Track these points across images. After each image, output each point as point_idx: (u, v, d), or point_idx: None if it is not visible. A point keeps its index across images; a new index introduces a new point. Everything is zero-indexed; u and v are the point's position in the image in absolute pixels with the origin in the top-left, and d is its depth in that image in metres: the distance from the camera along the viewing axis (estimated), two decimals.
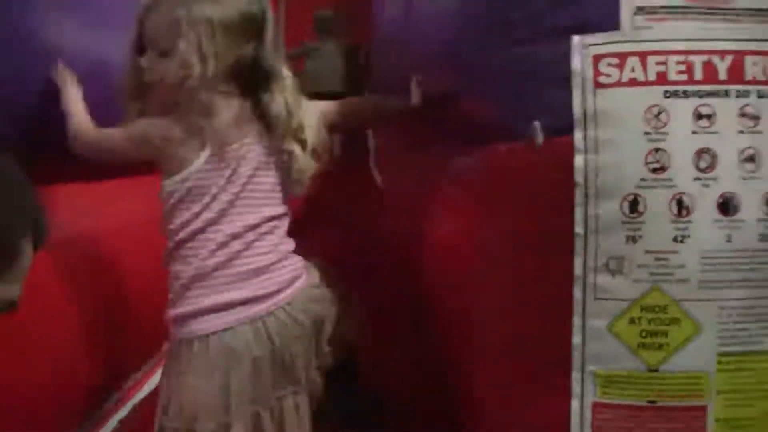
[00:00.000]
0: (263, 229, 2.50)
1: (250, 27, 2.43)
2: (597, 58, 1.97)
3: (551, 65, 2.01)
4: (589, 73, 1.97)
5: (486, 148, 2.26)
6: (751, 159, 1.96)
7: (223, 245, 2.43)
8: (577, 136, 1.98)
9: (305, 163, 2.55)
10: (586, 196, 1.98)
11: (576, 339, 2.01)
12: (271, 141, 2.49)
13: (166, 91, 2.43)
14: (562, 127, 1.99)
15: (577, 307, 2.01)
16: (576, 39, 1.98)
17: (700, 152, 1.95)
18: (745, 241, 1.97)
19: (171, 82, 2.39)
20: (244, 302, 2.43)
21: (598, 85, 1.97)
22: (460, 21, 2.32)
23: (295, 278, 2.55)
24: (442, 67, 2.57)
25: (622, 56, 1.96)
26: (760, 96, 1.97)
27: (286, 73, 2.55)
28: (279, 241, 2.55)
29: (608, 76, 1.97)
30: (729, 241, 1.96)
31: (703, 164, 1.95)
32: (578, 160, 1.97)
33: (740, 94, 1.96)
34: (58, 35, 2.70)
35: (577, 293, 2.00)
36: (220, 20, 2.37)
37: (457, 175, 2.61)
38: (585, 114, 1.97)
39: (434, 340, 3.06)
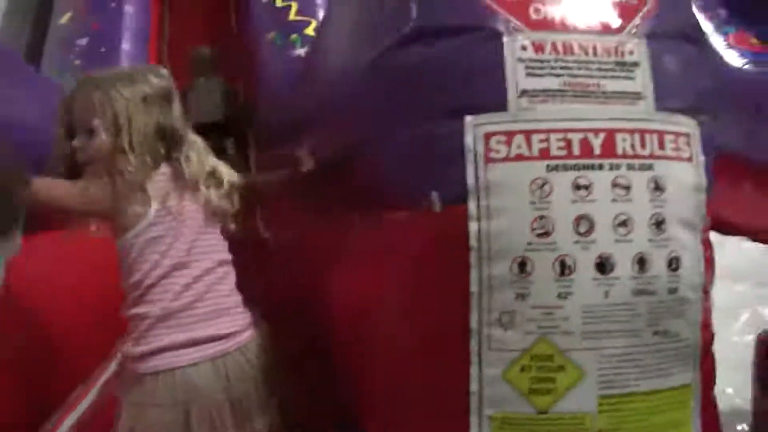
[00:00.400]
0: (219, 273, 2.74)
1: (160, 100, 2.66)
2: (488, 136, 2.19)
3: (447, 141, 2.23)
4: (481, 149, 2.19)
5: (386, 214, 2.45)
6: (623, 224, 2.19)
7: (187, 287, 2.66)
8: (471, 205, 2.19)
9: (224, 204, 2.77)
10: (480, 258, 2.19)
11: (473, 386, 2.22)
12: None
13: (99, 166, 2.64)
14: (457, 196, 2.21)
15: (473, 357, 2.21)
16: (469, 119, 2.20)
17: (579, 218, 2.18)
18: (621, 296, 2.20)
19: (101, 156, 2.61)
20: (208, 340, 2.65)
21: (489, 160, 2.19)
22: (363, 99, 2.50)
23: (250, 324, 2.76)
24: (341, 138, 2.78)
25: (510, 134, 2.19)
26: (630, 168, 2.20)
27: (193, 137, 2.78)
28: (233, 287, 2.77)
29: (498, 151, 2.19)
30: (606, 296, 2.19)
31: (582, 229, 2.18)
32: (472, 227, 2.19)
33: (613, 167, 2.19)
34: None
35: (474, 345, 2.21)
36: (132, 97, 2.60)
37: (358, 237, 2.80)
38: (478, 185, 2.19)
39: (338, 386, 3.26)
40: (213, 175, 2.78)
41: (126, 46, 6.59)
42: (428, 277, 2.29)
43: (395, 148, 2.36)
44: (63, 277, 3.26)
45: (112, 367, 4.33)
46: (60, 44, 6.71)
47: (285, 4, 6.65)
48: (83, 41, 6.54)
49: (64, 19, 6.99)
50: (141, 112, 2.60)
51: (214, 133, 4.88)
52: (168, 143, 2.69)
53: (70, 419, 3.55)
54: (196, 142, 2.80)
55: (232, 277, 2.80)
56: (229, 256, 2.80)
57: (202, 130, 3.39)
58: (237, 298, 2.79)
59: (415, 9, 2.30)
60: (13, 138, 2.80)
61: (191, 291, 2.66)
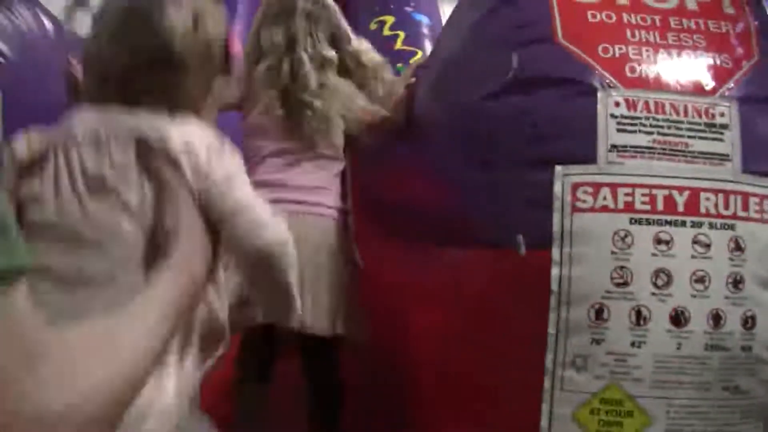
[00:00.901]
0: None
1: None
2: (575, 186, 2.29)
3: (536, 188, 2.33)
4: (568, 198, 2.29)
5: (473, 252, 2.56)
6: (701, 280, 2.27)
7: None
8: (555, 251, 2.29)
9: None
10: (559, 302, 2.28)
11: (544, 422, 2.31)
12: None
13: None
14: (541, 241, 2.31)
15: (545, 396, 2.30)
16: (558, 168, 2.31)
17: (658, 271, 2.26)
18: (693, 349, 2.27)
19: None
20: None
21: (575, 209, 2.29)
22: (460, 139, 2.64)
23: None
24: (435, 174, 2.90)
25: (597, 186, 2.29)
26: (711, 227, 2.28)
27: None
28: None
29: (584, 201, 2.29)
30: (679, 348, 2.27)
31: (660, 282, 2.26)
32: (554, 272, 2.28)
33: (694, 225, 2.28)
34: None
35: (547, 383, 2.30)
36: None
37: (443, 271, 2.89)
38: (562, 233, 2.29)
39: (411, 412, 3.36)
40: None
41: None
42: (508, 315, 2.39)
43: (486, 189, 2.48)
44: None
45: None
46: None
47: (392, 33, 6.80)
48: None
49: None
50: None
51: None
52: None
53: None
54: None
55: None
56: None
57: None
58: None
59: (516, 60, 2.40)
60: None
61: None
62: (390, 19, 6.99)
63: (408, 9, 7.14)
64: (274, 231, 1.67)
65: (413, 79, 3.19)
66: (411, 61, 6.41)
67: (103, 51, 1.65)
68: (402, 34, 6.77)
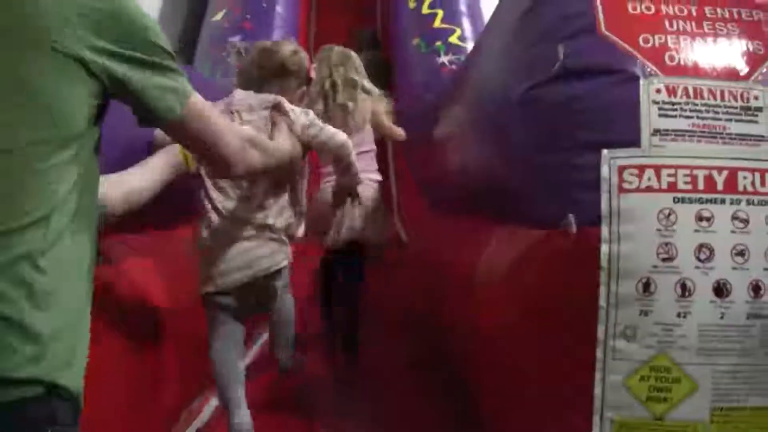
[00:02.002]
0: None
1: None
2: (621, 168, 2.45)
3: (585, 171, 2.49)
4: (615, 179, 2.45)
5: (527, 230, 2.73)
6: (741, 253, 2.42)
7: None
8: (604, 229, 2.44)
9: None
10: (609, 277, 2.44)
11: (597, 390, 2.47)
12: None
13: None
14: (591, 220, 2.46)
15: (599, 365, 2.46)
16: (605, 152, 2.46)
17: (701, 246, 2.42)
18: (735, 318, 2.42)
19: None
20: None
21: (622, 190, 2.44)
22: (512, 127, 2.79)
23: None
24: (486, 159, 3.08)
25: (641, 168, 2.44)
26: (749, 203, 2.43)
27: None
28: None
29: (630, 183, 2.44)
30: (722, 318, 2.42)
31: (702, 256, 2.42)
32: (604, 249, 2.44)
33: (733, 202, 2.43)
34: None
35: (599, 353, 2.46)
36: None
37: (495, 249, 3.08)
38: (611, 212, 2.44)
39: (465, 389, 3.55)
40: None
41: None
42: (560, 290, 2.54)
43: (537, 172, 2.64)
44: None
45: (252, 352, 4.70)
46: (213, 41, 7.10)
47: (431, 11, 6.95)
48: (235, 39, 6.93)
49: (218, 16, 7.39)
50: None
51: None
52: None
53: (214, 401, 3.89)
54: None
55: None
56: None
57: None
58: None
59: (562, 51, 2.55)
60: None
61: None
62: None
63: None
64: (340, 136, 3.53)
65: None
66: (449, 39, 6.57)
67: (252, 65, 3.58)
68: (441, 12, 6.91)
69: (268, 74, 3.47)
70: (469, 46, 6.28)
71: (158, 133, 3.06)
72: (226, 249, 3.23)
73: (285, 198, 3.38)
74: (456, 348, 3.80)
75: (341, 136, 3.49)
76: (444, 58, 6.25)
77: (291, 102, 3.38)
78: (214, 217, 3.24)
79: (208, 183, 3.23)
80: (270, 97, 3.33)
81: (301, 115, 3.34)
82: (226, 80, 6.14)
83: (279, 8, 7.43)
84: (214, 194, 3.24)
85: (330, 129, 3.43)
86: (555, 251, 2.55)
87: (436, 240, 4.26)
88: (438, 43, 6.42)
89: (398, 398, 3.99)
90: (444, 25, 6.68)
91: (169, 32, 8.02)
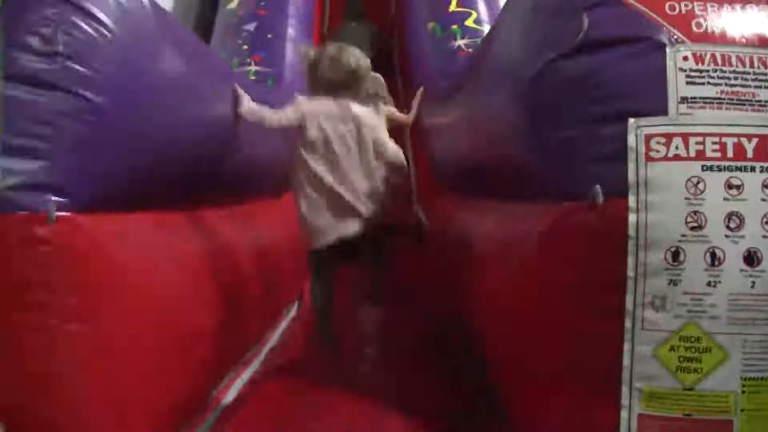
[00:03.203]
0: None
1: None
2: (648, 137, 2.43)
3: (610, 141, 2.47)
4: (642, 148, 2.43)
5: (549, 206, 2.71)
6: None
7: None
8: (631, 198, 2.43)
9: None
10: (637, 246, 2.42)
11: (626, 361, 2.46)
12: None
13: None
14: (618, 191, 2.45)
15: (627, 335, 2.45)
16: (631, 121, 2.44)
17: (730, 215, 2.40)
18: (766, 288, 2.40)
19: None
20: None
21: (649, 159, 2.42)
22: (535, 101, 2.76)
23: None
24: (510, 135, 3.05)
25: (669, 136, 2.42)
26: None
27: None
28: None
29: (657, 151, 2.42)
30: (753, 287, 2.40)
31: (732, 224, 2.40)
32: (631, 218, 2.43)
33: (764, 170, 2.40)
34: None
35: (628, 324, 2.45)
36: None
37: (521, 223, 3.06)
38: (638, 181, 2.42)
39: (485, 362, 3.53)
40: None
41: (291, 31, 6.95)
42: (588, 261, 2.52)
43: (562, 145, 2.60)
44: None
45: (277, 334, 4.73)
46: (228, 29, 7.10)
47: None
48: (251, 26, 6.92)
49: (233, 4, 7.38)
50: None
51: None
52: None
53: (240, 381, 3.91)
54: None
55: None
56: None
57: None
58: None
59: (586, 21, 2.53)
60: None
61: None
62: None
63: None
64: (401, 155, 4.14)
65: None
66: (465, 23, 6.55)
67: (324, 74, 4.03)
68: None
69: (340, 82, 4.02)
70: (486, 29, 6.25)
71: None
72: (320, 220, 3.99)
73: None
74: (476, 327, 3.79)
75: (401, 155, 4.25)
76: (460, 42, 6.22)
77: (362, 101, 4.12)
78: (311, 192, 3.98)
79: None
80: (346, 103, 4.03)
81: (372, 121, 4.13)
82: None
83: None
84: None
85: (393, 147, 4.20)
86: (582, 224, 2.53)
87: (455, 221, 4.24)
88: (454, 27, 6.39)
89: (414, 374, 3.98)
90: (459, 9, 6.64)
91: (183, 21, 8.03)
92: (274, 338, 4.70)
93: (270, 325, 4.75)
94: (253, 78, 6.09)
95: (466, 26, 6.39)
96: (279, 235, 4.89)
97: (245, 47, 6.63)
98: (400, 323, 5.10)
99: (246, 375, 4.05)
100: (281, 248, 4.85)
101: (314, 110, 3.96)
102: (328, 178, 3.95)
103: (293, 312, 5.33)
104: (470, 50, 6.03)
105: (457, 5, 6.69)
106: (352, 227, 4.01)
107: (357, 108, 4.02)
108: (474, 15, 6.53)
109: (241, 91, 3.92)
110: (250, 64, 6.32)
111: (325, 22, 8.86)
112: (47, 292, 2.42)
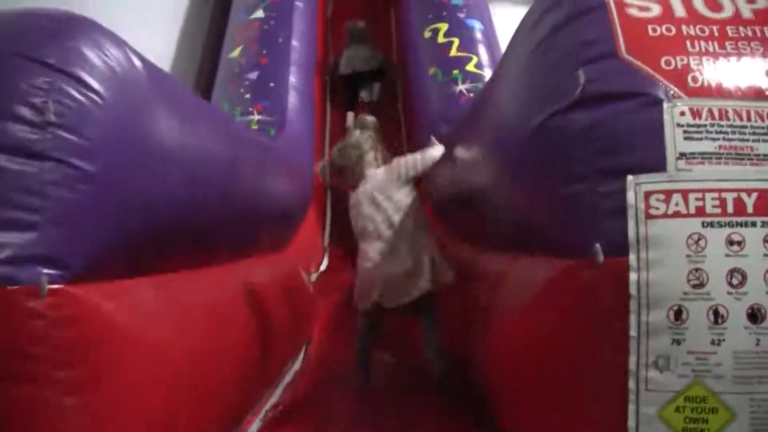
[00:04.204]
0: None
1: None
2: (648, 194, 2.40)
3: (609, 198, 2.44)
4: (641, 206, 2.40)
5: (553, 261, 2.67)
6: None
7: None
8: (632, 257, 2.39)
9: None
10: (639, 305, 2.39)
11: (631, 422, 2.41)
12: None
13: None
14: (618, 248, 2.41)
15: (631, 396, 2.40)
16: (630, 178, 2.41)
17: (732, 271, 2.36)
18: None
19: None
20: None
21: (649, 216, 2.39)
22: (532, 156, 2.74)
23: None
24: (508, 188, 3.02)
25: (668, 193, 2.39)
26: None
27: None
28: None
29: (657, 208, 2.39)
30: (758, 344, 2.36)
31: (735, 281, 2.36)
32: (632, 277, 2.39)
33: (765, 225, 2.37)
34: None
35: (632, 384, 2.40)
36: None
37: (520, 277, 3.03)
38: (638, 239, 2.39)
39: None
40: None
41: (293, 79, 6.95)
42: (589, 320, 2.48)
43: (559, 202, 2.58)
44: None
45: (293, 370, 4.71)
46: (230, 77, 7.11)
47: (446, 40, 6.94)
48: (253, 75, 6.93)
49: (235, 53, 7.39)
50: None
51: (364, 81, 7.84)
52: None
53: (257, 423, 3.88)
54: None
55: None
56: None
57: (353, 78, 7.41)
58: None
59: (583, 76, 2.50)
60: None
61: None
62: (443, 27, 7.14)
63: (461, 15, 7.27)
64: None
65: None
66: (466, 67, 6.56)
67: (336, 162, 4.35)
68: (456, 41, 6.91)
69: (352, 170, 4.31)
70: (487, 73, 6.26)
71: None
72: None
73: None
74: (480, 376, 3.76)
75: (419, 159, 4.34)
76: (461, 86, 6.22)
77: None
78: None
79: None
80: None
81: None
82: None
83: (295, 42, 7.42)
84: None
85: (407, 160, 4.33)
86: (582, 282, 2.50)
87: (459, 267, 4.21)
88: (455, 72, 6.40)
89: (422, 421, 3.96)
90: (460, 54, 6.65)
91: (185, 70, 8.05)
92: (276, 394, 4.65)
93: (273, 380, 4.71)
94: (255, 127, 6.08)
95: (467, 71, 6.40)
96: (282, 287, 4.85)
97: (247, 96, 6.62)
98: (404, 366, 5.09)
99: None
100: (284, 301, 4.81)
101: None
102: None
103: (298, 364, 5.29)
104: (471, 95, 6.02)
105: (458, 50, 6.69)
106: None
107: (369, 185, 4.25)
108: (475, 59, 6.54)
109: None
110: (252, 113, 6.31)
111: (327, 71, 8.90)
112: (43, 366, 2.37)
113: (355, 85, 8.27)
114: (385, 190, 4.19)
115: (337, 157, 4.35)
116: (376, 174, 4.26)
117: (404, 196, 4.16)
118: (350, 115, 7.69)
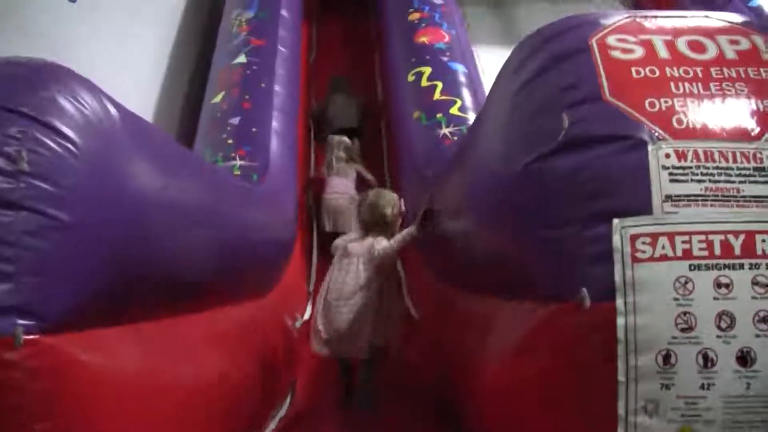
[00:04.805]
0: None
1: None
2: (634, 237, 2.37)
3: (595, 242, 2.41)
4: (628, 249, 2.37)
5: (535, 305, 2.65)
6: (764, 320, 2.33)
7: None
8: (619, 301, 2.36)
9: None
10: (627, 350, 2.35)
11: None
12: None
13: None
14: (604, 293, 2.38)
15: None
16: (616, 221, 2.39)
17: (721, 314, 2.33)
18: (763, 388, 2.33)
19: None
20: None
21: (635, 260, 2.36)
22: (516, 200, 2.72)
23: None
24: (492, 232, 2.99)
25: (655, 236, 2.36)
26: None
27: None
28: None
29: (643, 252, 2.36)
30: (748, 388, 2.33)
31: (723, 324, 2.33)
32: (620, 321, 2.36)
33: (752, 267, 2.34)
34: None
35: (621, 430, 2.36)
36: None
37: (505, 322, 3.01)
38: (625, 283, 2.36)
39: None
40: None
41: (275, 124, 6.92)
42: (576, 366, 2.45)
43: (545, 247, 2.55)
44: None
45: (279, 416, 4.66)
46: (213, 122, 7.07)
47: (430, 83, 6.93)
48: (235, 120, 6.89)
49: (217, 98, 7.37)
50: None
51: (349, 134, 7.92)
52: None
53: None
54: None
55: None
56: None
57: (340, 131, 7.88)
58: None
59: (567, 120, 2.48)
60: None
61: None
62: (427, 70, 7.13)
63: (444, 59, 7.27)
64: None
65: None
66: (450, 111, 6.55)
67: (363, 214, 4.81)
68: (440, 84, 6.89)
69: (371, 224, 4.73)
70: (471, 116, 6.24)
71: None
72: None
73: None
74: (466, 423, 3.71)
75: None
76: (445, 130, 6.20)
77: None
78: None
79: None
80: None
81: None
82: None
83: (278, 87, 7.40)
84: None
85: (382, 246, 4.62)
86: (568, 326, 2.47)
87: (444, 313, 4.18)
88: (439, 115, 6.39)
89: None
90: (444, 97, 6.64)
91: (167, 116, 8.03)
92: None
93: (260, 427, 4.64)
94: (237, 173, 6.03)
95: (451, 114, 6.38)
96: (265, 330, 4.80)
97: (230, 141, 6.57)
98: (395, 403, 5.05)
99: None
100: (267, 347, 4.75)
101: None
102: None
103: (284, 409, 5.22)
104: (455, 138, 6.00)
105: (442, 93, 6.68)
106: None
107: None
108: (459, 103, 6.52)
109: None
110: (234, 159, 6.25)
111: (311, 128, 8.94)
112: (19, 418, 2.32)
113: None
114: (360, 258, 4.62)
115: (365, 209, 4.79)
116: (362, 243, 4.67)
117: (371, 272, 4.58)
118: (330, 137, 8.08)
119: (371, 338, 4.55)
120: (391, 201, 4.78)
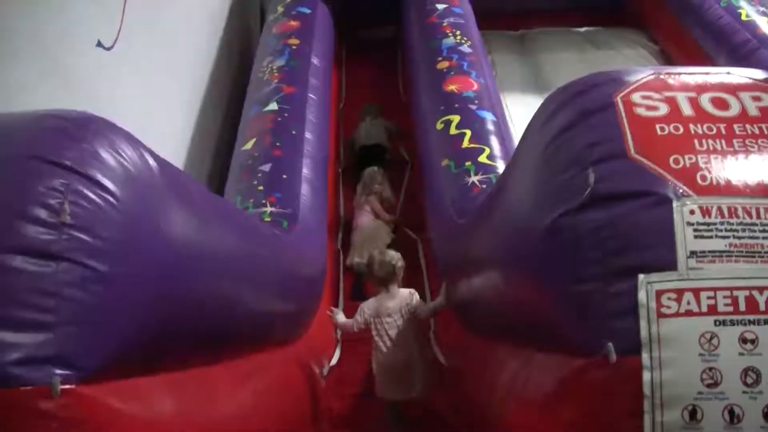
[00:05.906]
0: None
1: None
2: (659, 293, 2.40)
3: (620, 297, 2.44)
4: (653, 305, 2.40)
5: (562, 359, 2.68)
6: None
7: None
8: (644, 356, 2.39)
9: None
10: (653, 405, 2.37)
11: None
12: None
13: None
14: (630, 348, 2.41)
15: None
16: (641, 277, 2.42)
17: (747, 370, 2.36)
18: None
19: None
20: None
21: (661, 315, 2.39)
22: (542, 255, 2.75)
23: None
24: (518, 285, 3.04)
25: (680, 291, 2.39)
26: None
27: None
28: None
29: (669, 307, 2.39)
30: None
31: (749, 380, 2.35)
32: (646, 376, 2.38)
33: None
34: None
35: None
36: None
37: (532, 374, 3.03)
38: (650, 338, 2.39)
39: None
40: None
41: (306, 171, 6.98)
42: (603, 420, 2.47)
43: (571, 301, 2.58)
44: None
45: None
46: (243, 169, 7.14)
47: (458, 131, 6.96)
48: (266, 167, 6.95)
49: (248, 145, 7.44)
50: None
51: (374, 152, 8.62)
52: None
53: None
54: None
55: None
56: None
57: (364, 149, 8.65)
58: None
59: (592, 176, 2.53)
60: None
61: None
62: (455, 118, 7.17)
63: (472, 107, 7.31)
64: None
65: None
66: (478, 159, 6.58)
67: (378, 272, 5.27)
68: (468, 132, 6.93)
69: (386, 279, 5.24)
70: (500, 164, 6.27)
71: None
72: None
73: None
74: None
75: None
76: (474, 178, 6.22)
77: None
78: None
79: None
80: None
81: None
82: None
83: (308, 134, 7.47)
84: None
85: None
86: (594, 381, 2.50)
87: (473, 364, 4.20)
88: (467, 163, 6.41)
89: None
90: (472, 145, 6.67)
91: (200, 162, 8.12)
92: None
93: None
94: (267, 220, 6.09)
95: (480, 162, 6.40)
96: (292, 383, 4.84)
97: (260, 188, 6.63)
98: None
99: None
100: (295, 396, 4.79)
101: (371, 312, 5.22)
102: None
103: None
104: (484, 186, 6.02)
105: (470, 141, 6.72)
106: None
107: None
108: (487, 151, 6.55)
109: (336, 316, 5.42)
110: (265, 205, 6.30)
111: (341, 163, 8.98)
112: None
113: (370, 158, 8.48)
114: (392, 314, 5.18)
115: (378, 267, 5.28)
116: (395, 299, 5.21)
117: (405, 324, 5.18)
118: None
119: (423, 381, 5.12)
120: (395, 255, 5.37)
